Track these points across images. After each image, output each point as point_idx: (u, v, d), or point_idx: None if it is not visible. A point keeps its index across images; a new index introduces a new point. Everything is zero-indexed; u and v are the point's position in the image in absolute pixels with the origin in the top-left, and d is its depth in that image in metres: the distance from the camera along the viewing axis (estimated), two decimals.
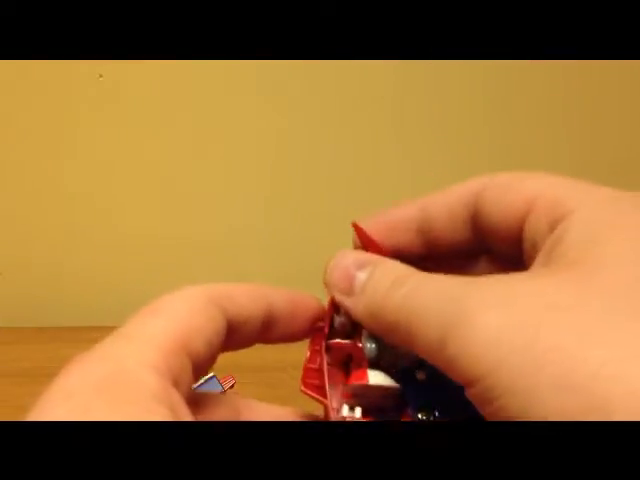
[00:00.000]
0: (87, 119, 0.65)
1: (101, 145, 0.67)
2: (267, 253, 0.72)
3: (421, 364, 0.24)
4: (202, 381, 0.42)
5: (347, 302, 0.23)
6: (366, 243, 0.26)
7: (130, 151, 0.67)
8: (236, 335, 0.22)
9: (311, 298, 0.25)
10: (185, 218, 0.70)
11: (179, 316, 0.20)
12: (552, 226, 0.20)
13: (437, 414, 0.23)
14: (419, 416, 0.23)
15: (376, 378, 0.24)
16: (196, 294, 0.21)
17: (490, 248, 0.24)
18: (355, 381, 0.24)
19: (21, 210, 0.69)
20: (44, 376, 0.18)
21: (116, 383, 0.17)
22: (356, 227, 0.25)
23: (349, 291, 0.23)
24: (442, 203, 0.25)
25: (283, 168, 0.68)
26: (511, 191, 0.22)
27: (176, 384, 0.19)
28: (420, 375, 0.24)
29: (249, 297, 0.23)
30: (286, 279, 0.71)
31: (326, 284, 0.24)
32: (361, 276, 0.22)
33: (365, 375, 0.24)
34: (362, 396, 0.24)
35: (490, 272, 0.22)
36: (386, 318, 0.21)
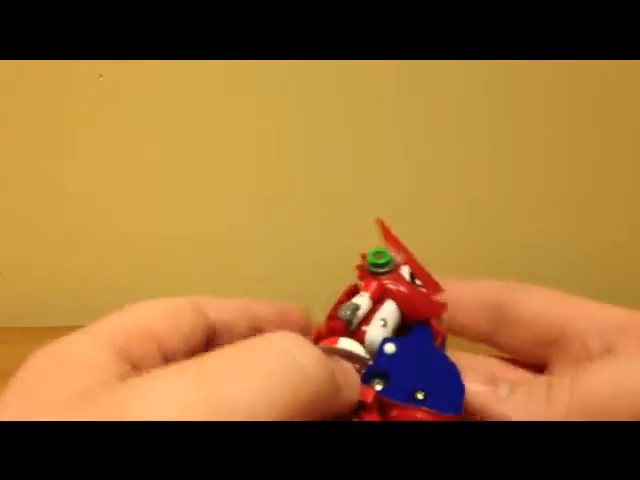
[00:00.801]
0: (87, 119, 0.65)
1: (101, 145, 0.67)
2: (267, 253, 0.72)
3: (391, 338, 0.25)
4: None
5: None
6: (389, 240, 0.26)
7: (130, 151, 0.67)
8: (222, 342, 0.23)
9: (298, 309, 0.26)
10: (185, 218, 0.70)
11: (151, 312, 0.21)
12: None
13: (388, 384, 0.23)
14: (372, 384, 0.23)
15: (345, 344, 0.24)
16: (175, 299, 0.22)
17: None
18: (324, 343, 0.24)
19: (21, 210, 0.69)
20: None
21: (63, 364, 0.18)
22: (381, 224, 0.26)
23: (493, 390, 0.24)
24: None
25: (283, 168, 0.68)
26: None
27: (135, 368, 0.19)
28: (389, 348, 0.24)
29: (230, 306, 0.24)
30: (286, 279, 0.71)
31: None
32: (503, 388, 0.24)
33: (335, 340, 0.24)
34: None
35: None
36: None
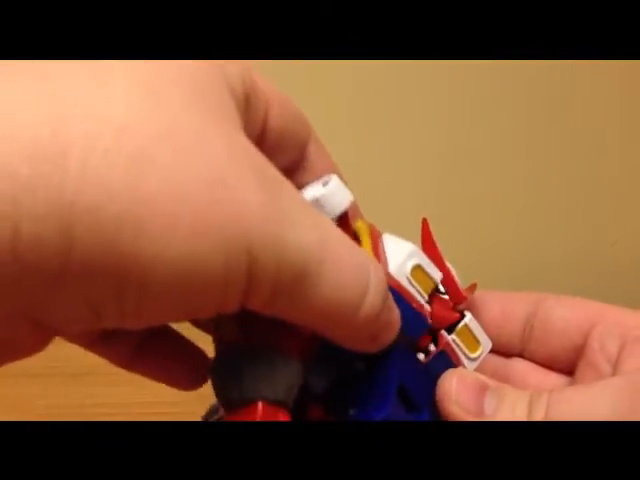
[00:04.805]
0: None
1: None
2: None
3: (364, 356, 0.24)
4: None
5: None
6: (425, 242, 0.26)
7: None
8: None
9: None
10: None
11: None
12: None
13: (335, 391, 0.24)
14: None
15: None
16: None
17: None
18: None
19: None
20: (48, 376, 0.18)
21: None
22: (424, 224, 0.26)
23: (479, 413, 0.23)
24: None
25: None
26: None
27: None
28: (359, 366, 0.24)
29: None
30: None
31: (448, 400, 0.24)
32: (490, 400, 0.23)
33: None
34: None
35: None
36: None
